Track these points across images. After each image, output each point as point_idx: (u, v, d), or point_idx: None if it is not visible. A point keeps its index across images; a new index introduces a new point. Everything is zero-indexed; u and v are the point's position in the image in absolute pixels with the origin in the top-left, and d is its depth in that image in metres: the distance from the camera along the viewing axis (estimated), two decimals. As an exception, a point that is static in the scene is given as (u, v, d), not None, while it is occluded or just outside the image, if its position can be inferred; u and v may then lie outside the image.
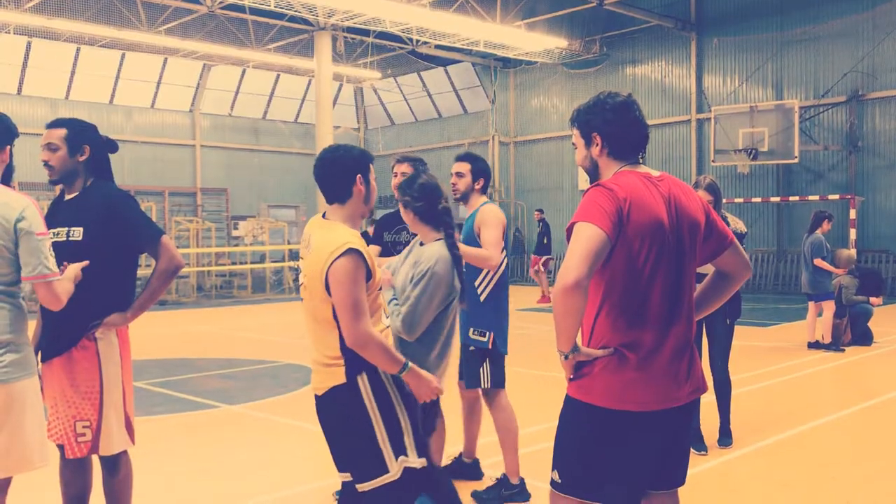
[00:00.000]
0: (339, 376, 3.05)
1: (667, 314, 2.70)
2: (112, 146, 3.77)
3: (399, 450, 3.05)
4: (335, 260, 2.95)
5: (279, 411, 7.18)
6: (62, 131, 3.62)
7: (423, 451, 3.13)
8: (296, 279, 20.73)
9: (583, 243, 2.56)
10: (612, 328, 2.68)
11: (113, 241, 3.55)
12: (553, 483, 2.84)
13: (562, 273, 2.55)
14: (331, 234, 3.06)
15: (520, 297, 17.86)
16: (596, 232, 2.57)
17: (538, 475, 4.57)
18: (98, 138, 3.71)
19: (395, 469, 3.03)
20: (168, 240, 3.67)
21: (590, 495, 2.78)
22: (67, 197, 3.67)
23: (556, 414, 2.88)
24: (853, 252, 11.59)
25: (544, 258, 17.63)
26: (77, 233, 3.51)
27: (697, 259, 2.85)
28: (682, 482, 2.91)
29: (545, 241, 17.59)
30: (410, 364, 3.08)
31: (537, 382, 8.42)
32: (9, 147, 3.27)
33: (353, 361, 3.03)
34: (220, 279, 23.03)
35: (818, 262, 10.01)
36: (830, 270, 10.17)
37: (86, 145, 3.64)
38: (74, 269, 3.36)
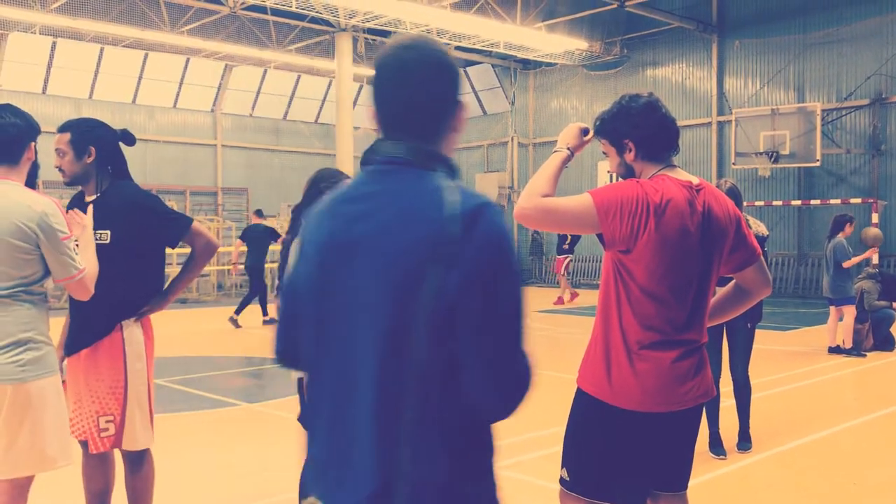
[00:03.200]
0: None
1: (682, 320, 2.72)
2: (128, 139, 3.71)
3: None
4: None
5: (298, 410, 7.21)
6: (66, 135, 3.59)
7: None
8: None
9: (576, 198, 2.68)
10: (626, 327, 2.71)
11: (141, 239, 3.59)
12: (562, 481, 2.85)
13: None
14: None
15: (539, 299, 17.85)
16: (590, 206, 2.65)
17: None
18: (106, 137, 3.65)
19: None
20: (199, 225, 3.72)
21: (598, 494, 2.78)
22: (88, 199, 3.65)
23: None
24: (879, 232, 11.30)
25: (567, 259, 17.60)
26: (105, 236, 3.51)
27: (721, 269, 2.86)
28: (684, 487, 2.92)
29: (565, 246, 17.48)
30: None
31: (561, 385, 8.41)
32: (33, 144, 3.22)
33: None
34: (241, 278, 23.15)
35: (847, 262, 9.82)
36: (861, 260, 10.33)
37: (91, 146, 3.58)
38: (87, 223, 3.35)
